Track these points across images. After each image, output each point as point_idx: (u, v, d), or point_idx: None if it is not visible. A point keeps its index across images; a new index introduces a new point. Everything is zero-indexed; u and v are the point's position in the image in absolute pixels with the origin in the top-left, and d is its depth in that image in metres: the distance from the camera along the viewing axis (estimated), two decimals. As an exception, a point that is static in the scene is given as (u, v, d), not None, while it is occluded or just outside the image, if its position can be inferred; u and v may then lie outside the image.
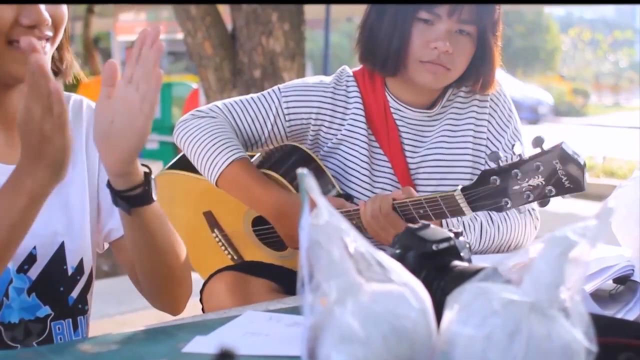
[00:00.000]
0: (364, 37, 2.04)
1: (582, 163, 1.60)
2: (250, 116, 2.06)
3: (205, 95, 5.53)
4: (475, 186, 1.71)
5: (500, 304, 0.92)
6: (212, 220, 2.21)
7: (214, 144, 1.98)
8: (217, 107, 2.08)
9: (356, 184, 2.04)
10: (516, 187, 1.64)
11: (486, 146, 2.08)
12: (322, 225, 0.94)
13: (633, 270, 1.56)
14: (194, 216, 2.23)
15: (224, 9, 5.60)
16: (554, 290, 0.93)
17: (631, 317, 1.46)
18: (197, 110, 2.08)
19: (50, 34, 1.48)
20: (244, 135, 2.07)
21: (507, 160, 1.65)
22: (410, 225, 1.25)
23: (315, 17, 15.77)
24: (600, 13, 38.60)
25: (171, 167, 2.26)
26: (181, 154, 2.21)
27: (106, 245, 1.74)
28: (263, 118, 2.05)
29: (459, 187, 1.73)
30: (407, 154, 2.06)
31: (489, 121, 2.09)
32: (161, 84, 1.36)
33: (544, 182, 1.61)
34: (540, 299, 0.93)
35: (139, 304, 4.92)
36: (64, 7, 1.51)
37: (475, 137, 2.08)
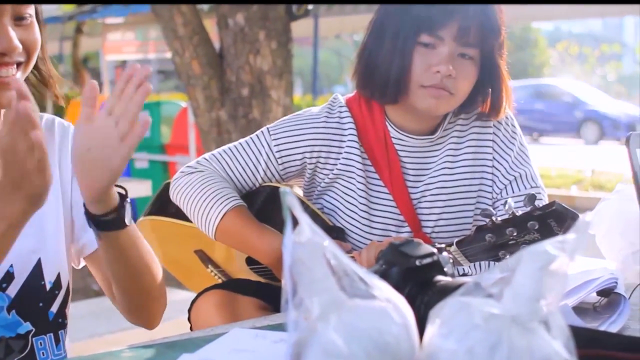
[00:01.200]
0: (362, 64, 1.96)
1: (578, 216, 1.57)
2: (240, 164, 2.00)
3: (193, 114, 5.56)
4: (471, 242, 1.68)
5: (482, 318, 0.93)
6: (204, 257, 2.20)
7: (205, 199, 1.93)
8: (205, 159, 2.03)
9: (354, 219, 1.98)
10: (512, 242, 1.62)
11: (493, 166, 2.02)
12: (305, 242, 0.95)
13: (616, 282, 1.57)
14: (185, 254, 2.22)
15: (211, 28, 5.63)
16: (535, 304, 0.95)
17: (614, 329, 1.47)
18: (186, 167, 2.03)
19: (21, 59, 1.51)
20: (237, 184, 2.01)
21: (501, 200, 1.62)
22: (394, 241, 1.26)
23: (304, 34, 15.84)
24: (588, 27, 38.78)
25: (152, 214, 2.20)
26: (154, 198, 2.20)
27: (82, 262, 1.75)
28: (254, 164, 1.99)
29: (454, 242, 1.71)
30: (410, 184, 1.99)
31: (493, 140, 2.03)
32: (146, 131, 1.37)
33: (540, 237, 1.59)
34: (521, 313, 0.94)
35: (129, 322, 4.90)
36: (37, 33, 1.54)
37: (477, 159, 2.02)
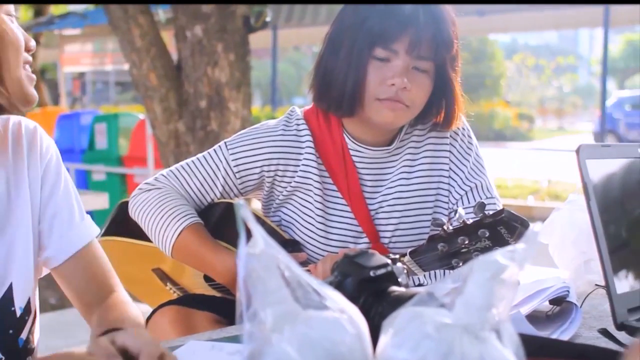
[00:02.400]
0: (319, 78, 1.96)
1: (527, 223, 1.60)
2: (199, 179, 1.99)
3: (151, 126, 5.54)
4: (424, 252, 1.70)
5: (434, 328, 0.95)
6: (163, 276, 2.18)
7: (162, 217, 1.93)
8: (163, 176, 2.02)
9: (311, 231, 1.98)
10: (464, 250, 1.64)
11: (449, 177, 2.04)
12: (259, 254, 0.96)
13: (568, 291, 1.60)
14: (144, 274, 2.20)
15: (169, 40, 5.62)
16: (486, 313, 0.96)
17: (566, 337, 1.49)
18: (145, 183, 2.02)
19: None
20: (195, 200, 2.00)
21: (455, 212, 1.64)
22: (348, 252, 1.27)
23: (263, 45, 15.87)
24: (544, 39, 39.27)
25: (108, 234, 2.17)
26: (110, 219, 2.18)
27: (45, 271, 1.70)
28: (212, 179, 1.98)
29: (408, 252, 1.72)
30: (367, 195, 2.00)
31: (450, 151, 2.05)
32: None
33: (491, 244, 1.61)
34: (472, 322, 0.95)
35: (86, 336, 4.85)
36: None
37: (434, 170, 2.04)
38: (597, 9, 12.73)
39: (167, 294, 2.20)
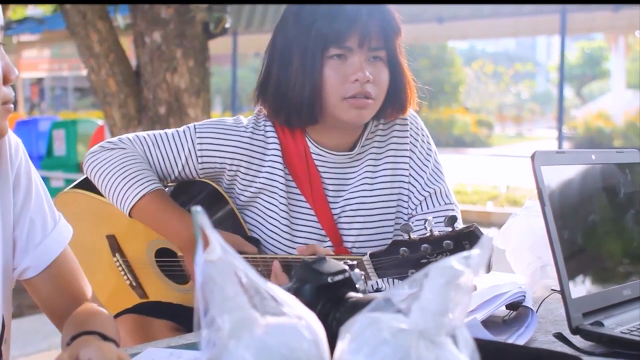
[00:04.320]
0: (271, 93, 1.97)
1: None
2: (162, 152, 2.01)
3: (110, 132, 5.51)
4: (384, 254, 1.70)
5: (390, 333, 0.95)
6: (114, 245, 2.18)
7: (127, 176, 1.94)
8: (128, 138, 2.03)
9: (276, 234, 2.00)
10: (424, 261, 1.64)
11: (409, 182, 2.06)
12: (216, 261, 0.95)
13: (525, 296, 1.62)
14: (96, 238, 2.20)
15: (128, 46, 5.59)
16: (441, 318, 0.97)
17: (522, 341, 1.51)
18: (107, 142, 2.03)
19: None
20: (154, 170, 2.01)
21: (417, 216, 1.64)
22: (306, 258, 1.28)
23: (223, 52, 15.82)
24: (502, 46, 39.61)
25: (76, 187, 2.19)
26: (84, 178, 2.17)
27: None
28: (174, 156, 2.00)
29: (368, 253, 1.72)
30: (330, 199, 2.02)
31: (410, 157, 2.07)
32: None
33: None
34: (428, 327, 0.96)
35: (43, 345, 4.83)
36: None
37: (395, 175, 2.06)
38: (554, 17, 12.87)
39: (111, 268, 2.19)
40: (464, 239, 1.62)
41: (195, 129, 2.02)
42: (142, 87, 5.23)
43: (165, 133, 2.03)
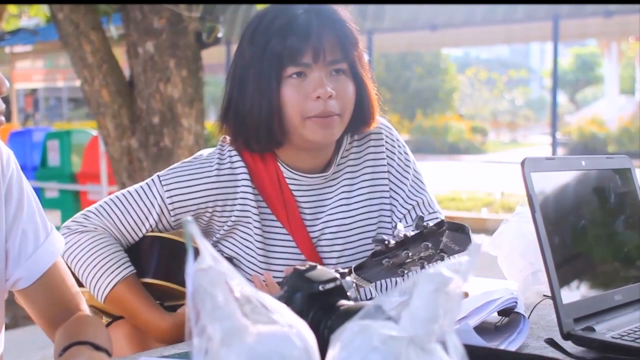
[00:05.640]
0: (231, 120, 1.92)
1: (465, 227, 1.61)
2: (132, 216, 1.93)
3: (104, 142, 5.52)
4: (368, 268, 1.67)
5: (380, 340, 0.96)
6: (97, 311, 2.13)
7: (95, 265, 1.87)
8: (93, 213, 1.93)
9: (254, 264, 1.94)
10: (409, 261, 1.62)
11: (390, 197, 2.02)
12: (206, 269, 0.96)
13: (516, 302, 1.62)
14: None
15: (121, 56, 5.60)
16: (431, 324, 0.97)
17: (513, 347, 1.52)
18: (73, 222, 1.94)
19: None
20: (127, 237, 1.94)
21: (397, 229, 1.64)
22: (298, 267, 1.28)
23: (217, 61, 15.83)
24: (496, 53, 39.68)
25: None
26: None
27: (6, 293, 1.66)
28: (145, 215, 1.92)
29: (352, 267, 1.69)
30: (307, 223, 1.97)
31: (388, 171, 2.03)
32: None
33: (434, 252, 1.61)
34: (418, 334, 0.96)
35: (37, 356, 4.82)
36: None
37: (374, 192, 2.02)
38: (547, 24, 12.92)
39: None
40: (439, 236, 1.60)
41: (160, 181, 1.93)
42: (136, 97, 5.23)
43: (130, 193, 1.95)
